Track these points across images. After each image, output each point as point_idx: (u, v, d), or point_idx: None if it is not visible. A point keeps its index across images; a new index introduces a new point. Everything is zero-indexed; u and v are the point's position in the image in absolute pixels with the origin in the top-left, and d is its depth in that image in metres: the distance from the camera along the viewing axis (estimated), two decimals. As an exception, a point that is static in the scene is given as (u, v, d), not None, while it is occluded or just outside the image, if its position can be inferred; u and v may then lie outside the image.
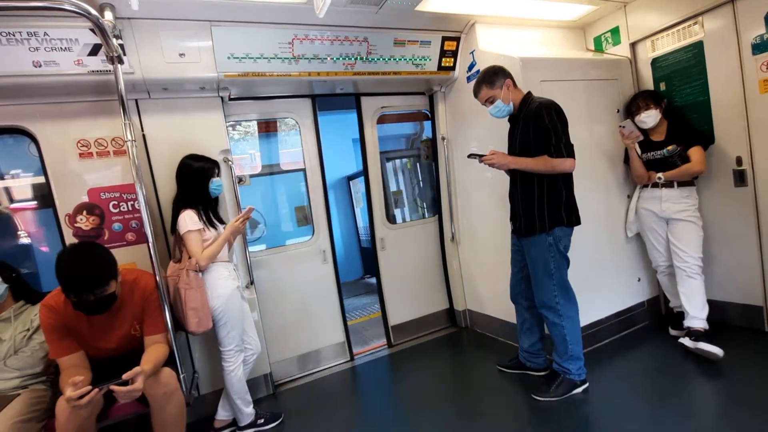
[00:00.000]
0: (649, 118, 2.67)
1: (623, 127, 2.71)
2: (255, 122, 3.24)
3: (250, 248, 2.88)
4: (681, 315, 2.69)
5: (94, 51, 2.12)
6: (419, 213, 4.20)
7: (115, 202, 2.37)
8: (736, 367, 2.32)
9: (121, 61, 1.94)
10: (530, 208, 2.26)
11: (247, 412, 2.35)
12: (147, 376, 1.69)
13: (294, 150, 3.33)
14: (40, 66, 2.05)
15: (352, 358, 3.26)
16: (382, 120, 3.47)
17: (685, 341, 2.52)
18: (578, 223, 2.28)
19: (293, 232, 3.71)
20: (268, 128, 3.58)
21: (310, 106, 3.14)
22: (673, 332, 2.80)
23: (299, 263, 3.12)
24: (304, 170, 3.15)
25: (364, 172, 3.36)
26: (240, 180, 2.92)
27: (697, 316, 2.54)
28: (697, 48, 2.69)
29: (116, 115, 2.28)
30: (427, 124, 3.65)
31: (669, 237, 2.69)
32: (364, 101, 3.29)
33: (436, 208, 3.65)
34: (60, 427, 1.64)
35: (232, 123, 3.00)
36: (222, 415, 2.39)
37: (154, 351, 1.88)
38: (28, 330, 1.99)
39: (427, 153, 3.73)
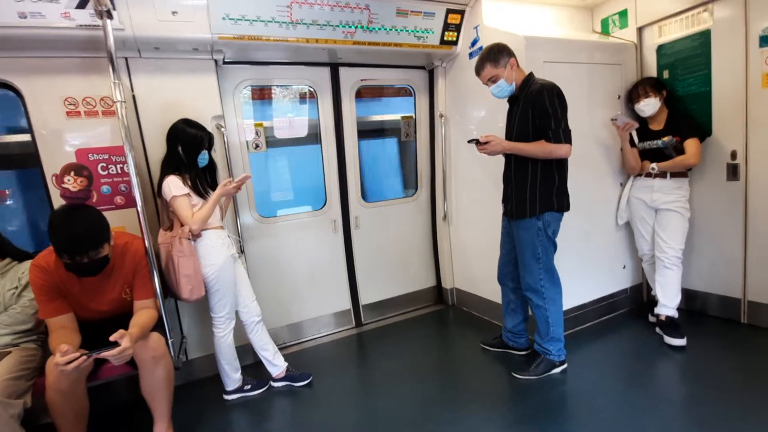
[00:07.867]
0: (648, 106, 2.65)
1: (615, 119, 2.67)
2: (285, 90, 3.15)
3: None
4: (659, 302, 2.77)
5: (82, 4, 2.02)
6: (398, 192, 3.96)
7: (104, 164, 2.31)
8: (709, 355, 2.42)
9: (110, 16, 1.85)
10: (522, 191, 2.27)
11: (235, 377, 2.40)
12: (134, 339, 1.71)
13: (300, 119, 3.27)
14: (26, 17, 1.94)
15: (360, 325, 3.37)
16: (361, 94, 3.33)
17: (657, 329, 2.66)
18: (568, 209, 2.30)
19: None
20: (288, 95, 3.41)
21: (329, 75, 3.08)
22: (652, 319, 2.88)
23: (307, 232, 3.15)
24: (319, 140, 3.14)
25: (338, 150, 3.19)
26: (256, 146, 2.93)
27: (667, 305, 2.65)
28: (704, 37, 2.64)
29: (105, 73, 2.18)
30: (409, 100, 3.51)
31: (654, 226, 2.73)
32: (343, 72, 3.13)
33: (416, 186, 3.63)
34: (50, 386, 1.67)
35: (249, 86, 2.92)
36: None
37: (142, 315, 1.89)
38: (17, 288, 1.99)
39: (407, 131, 3.58)
